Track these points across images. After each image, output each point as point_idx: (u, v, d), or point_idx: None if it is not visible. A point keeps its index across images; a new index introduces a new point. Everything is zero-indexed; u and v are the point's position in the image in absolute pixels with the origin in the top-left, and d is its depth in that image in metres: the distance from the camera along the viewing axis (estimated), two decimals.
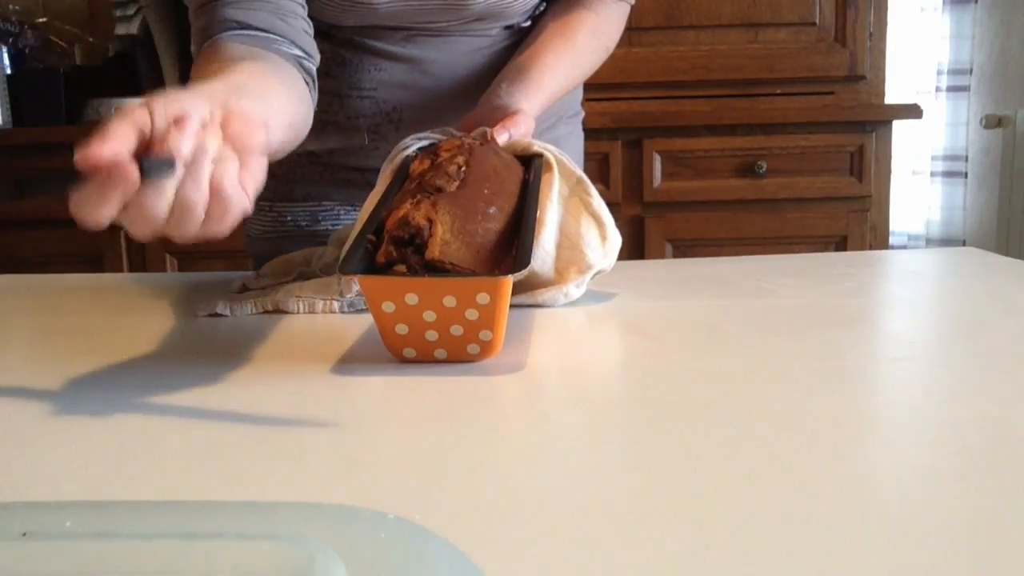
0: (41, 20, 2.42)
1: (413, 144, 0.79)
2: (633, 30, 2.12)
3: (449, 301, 0.58)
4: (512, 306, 0.66)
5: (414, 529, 0.35)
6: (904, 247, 2.79)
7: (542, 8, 0.96)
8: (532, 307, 0.77)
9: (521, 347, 0.65)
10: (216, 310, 0.77)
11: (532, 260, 0.64)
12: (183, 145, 0.48)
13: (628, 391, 0.56)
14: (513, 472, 0.43)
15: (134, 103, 0.51)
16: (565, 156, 0.79)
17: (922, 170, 2.77)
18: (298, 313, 0.77)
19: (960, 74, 2.69)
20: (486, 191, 0.66)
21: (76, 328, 0.76)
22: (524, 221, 0.65)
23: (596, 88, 2.01)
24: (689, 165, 2.09)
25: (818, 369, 0.58)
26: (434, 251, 0.59)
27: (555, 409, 0.53)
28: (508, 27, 0.95)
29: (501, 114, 0.82)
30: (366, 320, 0.73)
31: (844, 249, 2.09)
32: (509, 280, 0.58)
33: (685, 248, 2.11)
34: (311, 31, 0.81)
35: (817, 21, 2.17)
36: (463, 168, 0.67)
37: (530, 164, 0.76)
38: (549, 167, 0.77)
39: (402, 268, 0.60)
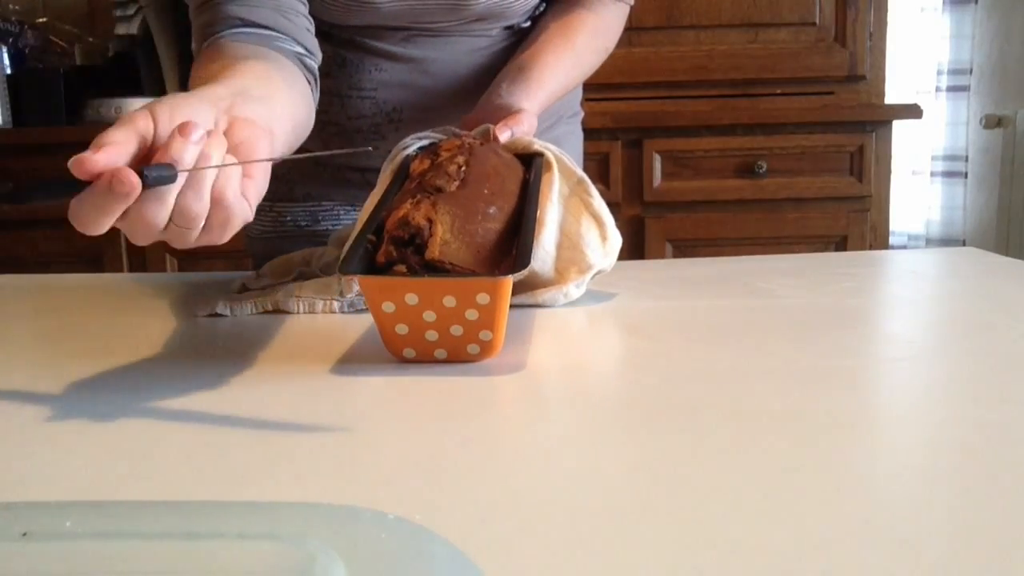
0: (41, 20, 2.42)
1: (413, 144, 0.79)
2: (633, 30, 2.12)
3: (449, 301, 0.58)
4: (512, 306, 0.66)
5: (414, 529, 0.35)
6: (904, 247, 2.79)
7: (542, 8, 0.96)
8: (532, 307, 0.77)
9: (521, 347, 0.65)
10: (216, 310, 0.77)
11: (532, 260, 0.64)
12: (186, 154, 0.48)
13: (628, 391, 0.56)
14: (513, 472, 0.43)
15: (137, 105, 0.50)
16: (565, 155, 0.79)
17: (922, 170, 2.77)
18: (298, 313, 0.77)
19: (960, 74, 2.69)
20: (486, 191, 0.66)
21: (76, 328, 0.76)
22: (524, 221, 0.65)
23: (596, 88, 2.02)
24: (689, 165, 2.09)
25: (818, 369, 0.59)
26: (434, 251, 0.59)
27: (555, 409, 0.53)
28: (508, 27, 0.95)
29: (502, 113, 0.82)
30: (366, 320, 0.73)
31: (844, 249, 2.09)
32: (509, 280, 0.58)
33: (685, 248, 2.11)
34: (312, 28, 0.81)
35: (817, 21, 2.17)
36: (463, 168, 0.67)
37: (530, 164, 0.76)
38: (549, 167, 0.77)
39: (402, 268, 0.60)
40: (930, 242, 2.78)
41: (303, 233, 1.01)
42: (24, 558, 0.32)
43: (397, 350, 0.61)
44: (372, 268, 0.61)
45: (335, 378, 0.59)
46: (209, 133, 0.50)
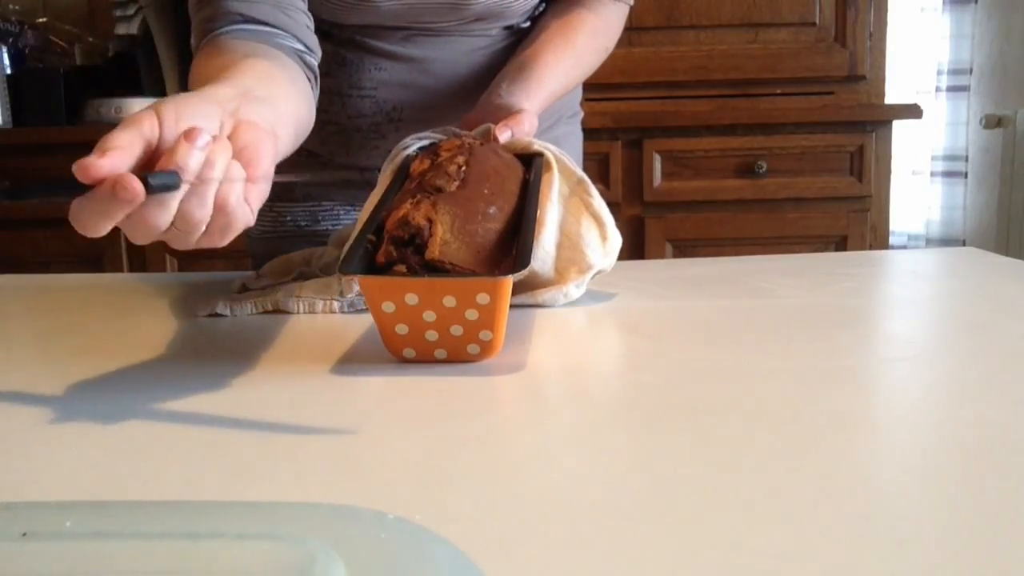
0: (41, 20, 2.42)
1: (413, 144, 0.79)
2: (633, 30, 2.12)
3: (449, 301, 0.58)
4: (512, 306, 0.66)
5: (414, 529, 0.35)
6: (904, 247, 2.79)
7: (541, 8, 0.96)
8: (532, 307, 0.77)
9: (521, 347, 0.65)
10: (216, 310, 0.77)
11: (532, 260, 0.64)
12: (191, 161, 0.47)
13: (628, 391, 0.56)
14: (513, 472, 0.43)
15: (137, 105, 0.50)
16: (565, 155, 0.80)
17: (922, 170, 2.77)
18: (298, 313, 0.77)
19: (960, 74, 2.69)
20: (486, 191, 0.66)
21: (76, 328, 0.76)
22: (524, 221, 0.65)
23: (596, 88, 2.02)
24: (689, 165, 2.09)
25: (818, 369, 0.58)
26: (434, 251, 0.59)
27: (555, 409, 0.53)
28: (508, 27, 0.95)
29: (503, 113, 0.82)
30: (366, 320, 0.73)
31: (844, 249, 2.09)
32: (509, 280, 0.58)
33: (685, 248, 2.11)
34: (312, 25, 0.80)
35: (817, 21, 2.17)
36: (463, 168, 0.67)
37: (530, 164, 0.76)
38: (549, 167, 0.78)
39: (402, 268, 0.60)
40: (930, 242, 2.78)
41: (303, 233, 1.01)
42: (24, 558, 0.32)
43: (397, 350, 0.61)
44: (372, 268, 0.61)
45: (335, 378, 0.59)
46: (214, 138, 0.50)
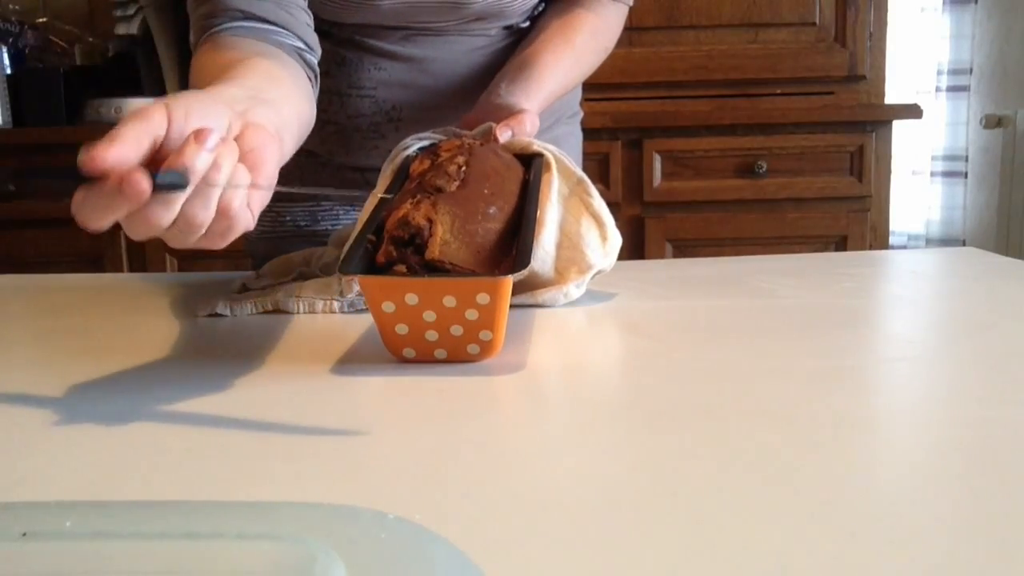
0: (41, 20, 2.42)
1: (413, 144, 0.79)
2: (633, 30, 2.12)
3: (449, 301, 0.58)
4: (512, 306, 0.66)
5: (414, 529, 0.35)
6: (904, 247, 2.79)
7: (541, 8, 0.96)
8: (532, 307, 0.77)
9: (521, 347, 0.65)
10: (216, 310, 0.77)
11: (532, 260, 0.64)
12: (199, 162, 0.47)
13: (628, 391, 0.56)
14: (513, 472, 0.43)
15: (137, 105, 0.50)
16: (565, 155, 0.79)
17: (922, 170, 2.77)
18: (298, 313, 0.77)
19: (960, 74, 2.69)
20: (486, 191, 0.66)
21: (76, 328, 0.76)
22: (524, 221, 0.65)
23: (596, 88, 2.02)
24: (689, 165, 2.09)
25: (818, 369, 0.58)
26: (434, 251, 0.59)
27: (555, 409, 0.53)
28: (507, 27, 0.95)
29: (502, 113, 0.82)
30: (366, 320, 0.73)
31: (844, 249, 2.09)
32: (509, 280, 0.58)
33: (685, 248, 2.11)
34: (312, 23, 0.80)
35: (817, 21, 2.17)
36: (463, 168, 0.67)
37: (530, 164, 0.76)
38: (548, 167, 0.78)
39: (402, 268, 0.60)
40: (930, 242, 2.78)
41: (303, 233, 1.01)
42: (24, 558, 0.32)
43: (397, 350, 0.61)
44: (372, 268, 0.61)
45: (335, 378, 0.59)
46: (222, 140, 0.49)
